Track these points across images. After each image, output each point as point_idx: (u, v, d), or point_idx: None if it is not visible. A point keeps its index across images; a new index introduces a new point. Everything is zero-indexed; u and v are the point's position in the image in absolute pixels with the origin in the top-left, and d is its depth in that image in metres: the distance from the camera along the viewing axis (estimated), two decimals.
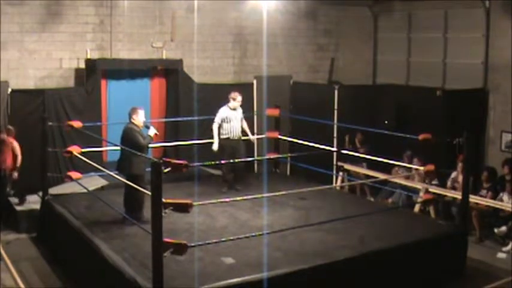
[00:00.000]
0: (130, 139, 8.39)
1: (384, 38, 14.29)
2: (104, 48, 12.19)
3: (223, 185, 10.23)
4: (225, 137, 10.19)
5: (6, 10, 11.13)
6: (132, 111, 8.64)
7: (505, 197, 9.88)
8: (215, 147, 10.13)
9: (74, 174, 9.66)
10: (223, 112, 10.27)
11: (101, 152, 11.09)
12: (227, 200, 7.99)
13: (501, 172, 10.60)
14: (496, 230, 9.75)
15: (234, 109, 10.31)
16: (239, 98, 10.39)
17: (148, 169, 6.47)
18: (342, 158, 11.57)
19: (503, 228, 9.66)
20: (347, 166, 11.53)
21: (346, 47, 15.05)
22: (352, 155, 11.15)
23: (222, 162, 8.44)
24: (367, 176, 11.13)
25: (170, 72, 12.66)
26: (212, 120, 10.36)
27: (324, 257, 7.19)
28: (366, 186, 11.79)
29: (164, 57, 12.71)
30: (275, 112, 11.53)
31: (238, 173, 10.42)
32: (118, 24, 12.26)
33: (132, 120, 8.61)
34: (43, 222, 9.56)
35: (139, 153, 7.87)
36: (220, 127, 10.22)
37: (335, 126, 12.08)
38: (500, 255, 9.34)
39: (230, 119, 10.24)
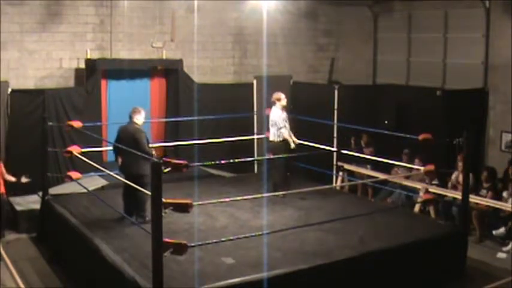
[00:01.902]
0: (138, 140, 8.27)
1: (384, 38, 14.29)
2: (104, 48, 12.20)
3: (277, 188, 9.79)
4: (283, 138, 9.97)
5: (6, 10, 11.14)
6: (135, 111, 8.60)
7: (508, 197, 9.87)
8: (293, 145, 9.90)
9: (74, 174, 9.65)
10: (281, 114, 9.96)
11: (101, 152, 11.09)
12: (227, 200, 7.99)
13: (501, 172, 10.61)
14: (494, 232, 9.75)
15: (283, 110, 10.10)
16: (283, 96, 10.13)
17: None
18: (346, 159, 11.55)
19: (502, 230, 9.65)
20: (349, 167, 11.53)
21: (346, 47, 15.05)
22: (354, 156, 11.12)
23: (222, 162, 8.45)
24: (370, 177, 11.12)
25: (170, 72, 12.67)
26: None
27: (324, 257, 7.18)
28: (369, 187, 11.79)
29: (164, 57, 12.72)
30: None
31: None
32: (118, 24, 12.27)
33: (136, 120, 8.54)
34: (43, 222, 9.55)
35: (146, 156, 7.75)
36: (280, 129, 9.91)
37: (335, 126, 12.07)
38: (500, 255, 9.34)
39: (286, 120, 10.04)
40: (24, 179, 9.59)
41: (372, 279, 7.35)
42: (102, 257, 7.18)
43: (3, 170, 9.68)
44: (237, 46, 13.84)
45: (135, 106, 8.78)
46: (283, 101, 10.08)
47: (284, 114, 10.04)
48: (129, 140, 8.33)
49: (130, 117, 8.58)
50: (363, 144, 11.87)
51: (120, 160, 8.63)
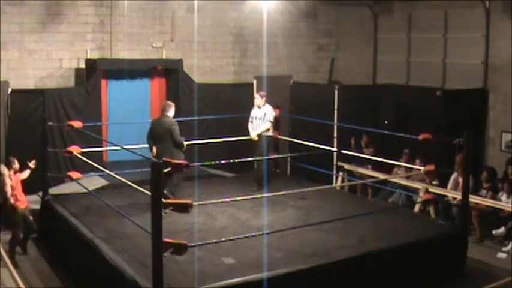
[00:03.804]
0: (173, 131, 9.04)
1: (384, 38, 14.28)
2: (104, 48, 12.20)
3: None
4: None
5: (6, 10, 11.14)
6: (169, 106, 9.31)
7: (503, 196, 9.88)
8: (252, 136, 10.39)
9: (74, 174, 9.65)
10: (251, 111, 10.51)
11: (101, 152, 11.08)
12: (227, 200, 7.99)
13: (501, 172, 10.60)
14: (494, 232, 9.75)
15: (259, 107, 10.40)
16: (256, 95, 10.57)
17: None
18: (346, 159, 11.55)
19: (501, 230, 9.66)
20: (350, 167, 11.52)
21: (346, 47, 15.05)
22: (354, 156, 11.11)
23: (222, 162, 8.53)
24: (370, 177, 11.11)
25: (170, 72, 12.67)
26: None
27: (324, 257, 7.19)
28: (368, 187, 11.78)
29: (164, 57, 12.72)
30: (275, 112, 11.52)
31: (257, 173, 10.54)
32: (118, 24, 12.27)
33: (169, 114, 9.24)
34: (43, 222, 9.54)
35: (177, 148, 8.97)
36: None
37: (335, 126, 12.07)
38: (500, 255, 9.34)
39: (252, 118, 10.44)
40: (32, 165, 9.28)
41: (372, 279, 7.35)
42: (102, 257, 7.18)
43: (19, 178, 9.07)
44: (237, 46, 13.84)
45: (167, 101, 9.61)
46: (256, 100, 10.52)
47: (255, 112, 10.42)
48: (165, 131, 9.06)
49: (163, 111, 9.27)
50: (363, 145, 11.87)
51: (154, 150, 9.10)
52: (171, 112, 9.30)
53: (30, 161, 9.27)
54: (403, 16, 13.67)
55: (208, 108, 12.13)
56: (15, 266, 8.38)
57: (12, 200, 8.75)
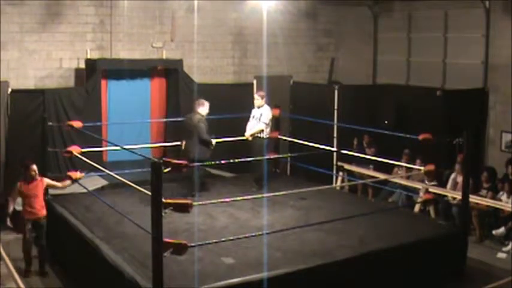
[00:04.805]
0: (199, 129, 9.48)
1: (384, 38, 14.29)
2: (104, 48, 12.20)
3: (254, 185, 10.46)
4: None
5: (6, 10, 11.14)
6: (200, 104, 9.70)
7: (503, 196, 9.89)
8: (245, 135, 10.46)
9: (74, 174, 9.64)
10: (253, 110, 10.51)
11: (101, 152, 11.08)
12: (227, 200, 7.99)
13: (502, 172, 10.60)
14: (494, 232, 9.75)
15: (258, 107, 10.36)
16: (256, 95, 10.52)
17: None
18: (346, 159, 11.55)
19: (502, 230, 9.66)
20: (349, 167, 11.52)
21: (346, 47, 15.05)
22: (355, 156, 11.12)
23: (222, 162, 8.54)
24: (370, 177, 11.11)
25: (170, 72, 12.67)
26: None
27: (324, 257, 7.18)
28: (369, 187, 11.78)
29: (164, 57, 12.72)
30: (275, 112, 11.52)
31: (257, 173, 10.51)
32: (118, 24, 12.27)
33: (200, 111, 9.66)
34: None
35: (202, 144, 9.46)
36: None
37: (335, 126, 12.07)
38: (500, 255, 9.34)
39: (250, 118, 10.44)
40: (78, 175, 9.02)
41: (372, 279, 7.35)
42: (102, 257, 7.17)
43: (51, 182, 8.76)
44: (237, 46, 13.85)
45: (200, 99, 9.90)
46: (255, 101, 10.46)
47: (254, 111, 10.44)
48: (192, 127, 9.57)
49: (195, 108, 9.70)
50: (365, 145, 11.87)
51: (183, 144, 9.73)
52: (201, 109, 9.67)
53: (75, 172, 9.11)
54: (403, 16, 13.68)
55: (209, 108, 12.12)
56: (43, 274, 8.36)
57: (11, 208, 8.52)
